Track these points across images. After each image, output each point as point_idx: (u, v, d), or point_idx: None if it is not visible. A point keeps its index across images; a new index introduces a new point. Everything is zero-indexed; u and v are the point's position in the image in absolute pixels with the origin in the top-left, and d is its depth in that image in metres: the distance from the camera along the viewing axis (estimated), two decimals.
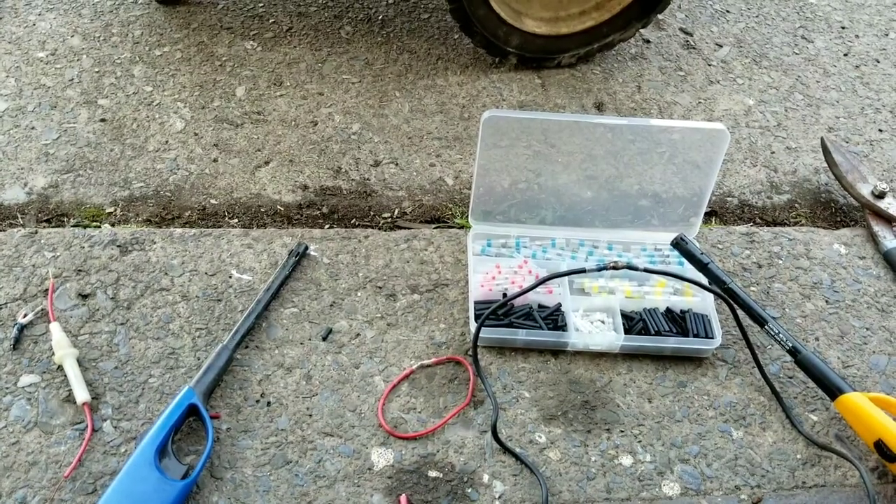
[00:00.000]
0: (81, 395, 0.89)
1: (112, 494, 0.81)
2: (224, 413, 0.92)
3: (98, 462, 0.87)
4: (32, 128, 1.28)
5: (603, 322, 1.05)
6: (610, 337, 1.02)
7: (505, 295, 1.04)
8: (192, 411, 0.89)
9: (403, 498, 0.86)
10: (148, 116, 1.32)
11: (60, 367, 0.93)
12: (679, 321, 1.05)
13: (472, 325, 0.99)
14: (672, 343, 1.01)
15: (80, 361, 0.93)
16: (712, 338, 1.02)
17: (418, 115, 1.37)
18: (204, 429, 0.88)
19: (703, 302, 1.07)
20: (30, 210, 1.16)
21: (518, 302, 1.04)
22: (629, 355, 1.03)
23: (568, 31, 1.42)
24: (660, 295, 1.08)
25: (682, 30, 1.60)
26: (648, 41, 1.57)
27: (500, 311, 1.02)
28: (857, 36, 1.64)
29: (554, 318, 1.04)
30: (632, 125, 1.07)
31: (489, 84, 1.44)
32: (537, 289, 1.03)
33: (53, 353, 0.93)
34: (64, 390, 0.92)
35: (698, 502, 0.90)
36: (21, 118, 1.29)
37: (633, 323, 1.04)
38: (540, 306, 1.06)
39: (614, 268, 0.99)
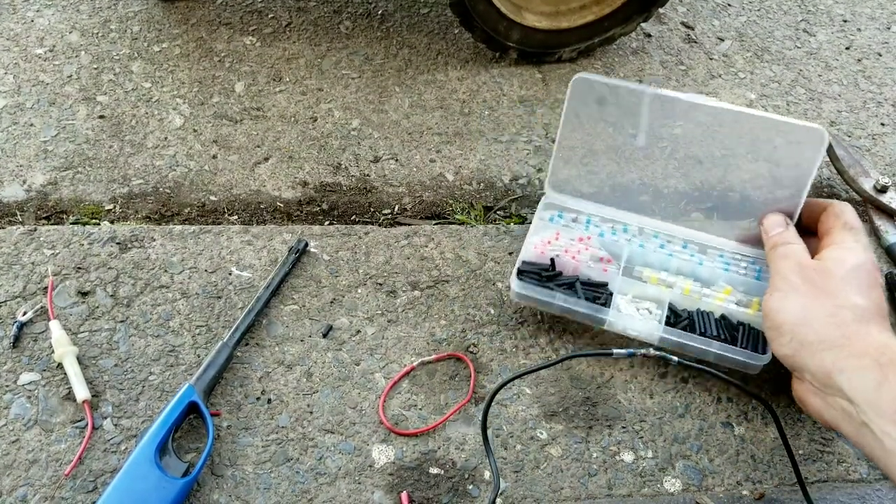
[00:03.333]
0: (81, 392, 0.89)
1: (112, 492, 0.81)
2: (224, 410, 0.92)
3: (98, 460, 0.87)
4: (31, 125, 1.27)
5: (649, 311, 0.99)
6: (651, 326, 0.96)
7: (553, 261, 1.03)
8: (192, 409, 0.89)
9: (405, 495, 0.86)
10: (147, 113, 1.31)
11: (60, 365, 0.93)
12: (731, 331, 0.97)
13: (514, 282, 0.99)
14: (716, 348, 0.93)
15: (79, 359, 0.93)
16: (764, 353, 0.93)
17: (418, 110, 1.36)
18: (204, 426, 0.88)
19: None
20: (28, 207, 1.16)
21: (567, 272, 1.03)
22: None
23: (569, 26, 1.41)
24: (720, 301, 1.00)
25: (683, 24, 1.60)
26: (650, 35, 1.56)
27: (543, 275, 1.01)
28: (858, 29, 1.63)
29: (598, 294, 1.00)
30: (737, 112, 1.00)
31: (489, 79, 1.43)
32: (590, 263, 1.03)
33: (53, 351, 0.93)
34: (64, 388, 0.92)
35: (700, 498, 0.89)
36: (19, 115, 1.29)
37: (679, 319, 0.98)
38: (588, 281, 1.02)
39: (646, 356, 0.92)
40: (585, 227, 1.08)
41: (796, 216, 0.99)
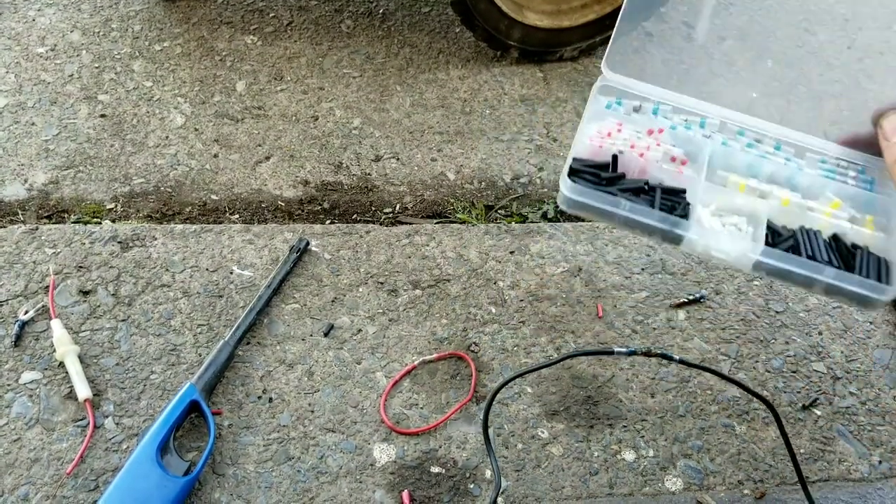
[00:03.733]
0: (83, 391, 0.89)
1: (114, 491, 0.81)
2: (226, 409, 0.92)
3: (100, 459, 0.87)
4: (32, 124, 1.27)
5: (738, 228, 0.79)
6: (743, 246, 0.75)
7: (615, 159, 0.81)
8: (193, 408, 0.89)
9: (406, 494, 0.86)
10: (148, 112, 1.31)
11: (62, 364, 0.93)
12: (845, 255, 0.78)
13: (564, 184, 0.77)
14: (829, 277, 0.73)
15: (81, 358, 0.93)
16: (889, 284, 0.74)
17: (419, 109, 1.36)
18: (206, 425, 0.88)
19: (886, 242, 0.78)
20: (30, 206, 1.16)
21: (632, 174, 0.82)
22: None
23: (570, 25, 1.41)
24: (828, 216, 0.80)
25: (684, 23, 1.60)
26: (651, 34, 1.56)
27: (603, 176, 0.80)
28: (860, 28, 1.63)
29: (675, 203, 0.79)
30: None
31: (490, 78, 1.43)
32: (662, 164, 0.81)
33: (55, 350, 0.93)
34: (65, 387, 0.92)
35: (701, 497, 0.89)
36: (21, 114, 1.29)
37: (780, 238, 0.78)
38: (661, 186, 0.81)
39: (647, 354, 0.85)
40: (653, 117, 0.86)
41: None
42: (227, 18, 1.49)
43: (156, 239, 1.08)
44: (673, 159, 0.83)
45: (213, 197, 1.20)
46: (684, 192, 0.80)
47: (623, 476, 0.90)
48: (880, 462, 0.94)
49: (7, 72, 1.35)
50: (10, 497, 0.84)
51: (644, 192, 0.79)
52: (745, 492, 0.90)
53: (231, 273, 1.05)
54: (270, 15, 1.51)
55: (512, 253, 1.12)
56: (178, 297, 1.02)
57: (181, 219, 1.17)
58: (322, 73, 1.41)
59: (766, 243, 0.76)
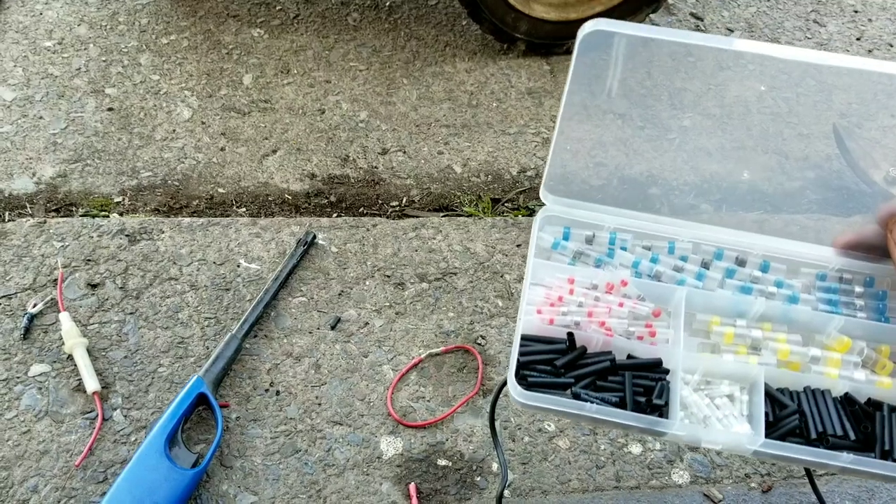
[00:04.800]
0: (91, 384, 0.90)
1: (123, 483, 0.82)
2: (233, 402, 0.92)
3: (108, 451, 0.88)
4: (40, 117, 1.28)
5: (731, 399, 0.66)
6: (738, 438, 0.63)
7: (570, 337, 0.68)
8: (201, 400, 0.89)
9: (412, 486, 0.86)
10: (155, 105, 1.31)
11: (70, 357, 0.93)
12: (862, 419, 0.65)
13: (513, 386, 0.63)
14: (845, 462, 0.61)
15: (89, 351, 0.94)
16: None
17: (426, 102, 1.36)
18: (213, 418, 0.89)
19: None
20: (38, 200, 1.16)
21: (596, 346, 0.68)
22: None
23: (577, 17, 1.40)
24: (837, 365, 0.67)
25: (692, 14, 1.59)
26: (658, 26, 1.55)
27: (558, 365, 0.67)
28: (869, 20, 1.62)
29: (650, 383, 0.66)
30: (838, 66, 0.69)
31: (497, 71, 1.43)
32: (630, 328, 0.69)
33: (63, 343, 0.93)
34: (74, 380, 0.92)
35: (708, 490, 0.89)
36: (29, 108, 1.29)
37: (782, 413, 0.65)
38: (632, 363, 0.68)
39: None
40: (609, 253, 0.73)
41: None
42: (234, 12, 1.49)
43: (163, 232, 1.09)
44: (643, 317, 0.71)
45: (220, 190, 1.20)
46: (659, 364, 0.67)
47: (630, 469, 0.90)
48: None
49: (15, 65, 1.35)
50: (19, 488, 0.84)
51: (611, 371, 0.67)
52: (752, 485, 0.90)
53: (238, 266, 1.05)
54: (277, 8, 1.51)
55: (519, 246, 1.12)
56: (185, 291, 1.02)
57: (188, 212, 1.17)
58: (328, 67, 1.40)
59: (769, 424, 0.64)
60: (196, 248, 1.07)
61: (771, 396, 0.65)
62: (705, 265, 0.73)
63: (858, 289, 0.72)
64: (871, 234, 0.68)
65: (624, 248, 0.74)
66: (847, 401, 0.66)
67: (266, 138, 1.28)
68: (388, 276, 1.06)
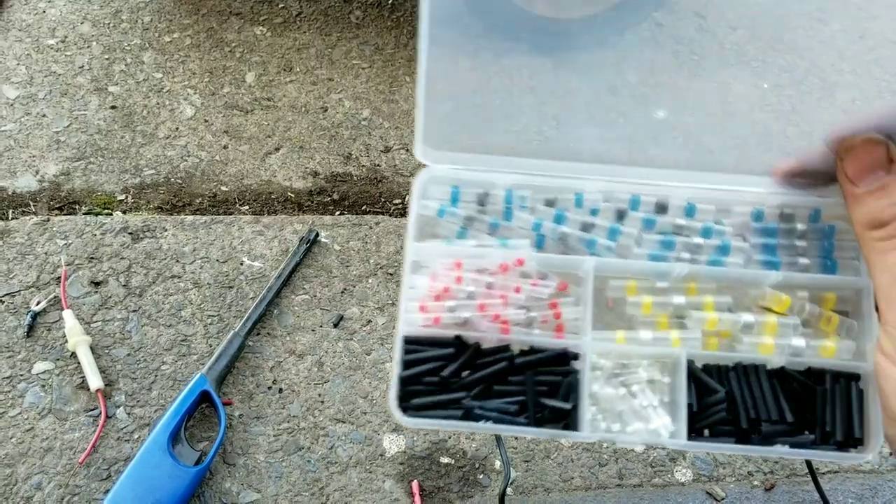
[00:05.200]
0: (95, 381, 0.90)
1: (126, 480, 0.82)
2: (236, 400, 0.92)
3: (112, 448, 0.88)
4: (43, 115, 1.28)
5: (651, 384, 0.58)
6: (657, 434, 0.56)
7: (459, 340, 0.57)
8: (204, 398, 0.89)
9: (415, 484, 0.87)
10: (158, 103, 1.32)
11: (74, 354, 0.93)
12: (801, 396, 0.57)
13: (397, 413, 0.54)
14: (782, 453, 0.56)
15: (93, 348, 0.94)
16: (859, 440, 0.55)
17: None
18: (216, 415, 0.89)
19: (857, 342, 0.57)
20: (42, 198, 1.17)
21: (493, 342, 0.58)
22: None
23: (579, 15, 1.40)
24: (773, 331, 0.58)
25: (695, 13, 1.58)
26: (662, 24, 1.55)
27: (446, 377, 0.56)
28: (874, 17, 1.61)
29: (553, 383, 0.57)
30: None
31: (500, 70, 1.42)
32: (530, 311, 0.58)
33: (67, 341, 0.93)
34: (77, 377, 0.92)
35: (711, 488, 0.89)
36: (32, 106, 1.29)
37: (709, 400, 0.56)
38: (535, 359, 0.57)
39: None
40: (507, 215, 0.61)
41: None
42: (237, 9, 1.49)
43: (166, 230, 1.09)
44: (546, 294, 0.60)
45: (223, 188, 1.21)
46: (564, 353, 0.57)
47: (632, 467, 0.90)
48: (891, 454, 0.93)
49: (18, 63, 1.36)
50: (23, 486, 0.85)
51: (511, 371, 0.57)
52: (755, 483, 0.90)
53: (241, 264, 1.05)
54: (280, 6, 1.51)
55: None
56: (188, 288, 1.02)
57: (191, 210, 1.17)
58: (331, 64, 1.40)
59: (692, 415, 0.56)
60: (199, 246, 1.07)
61: (696, 379, 0.57)
62: (620, 216, 0.61)
63: (801, 226, 0.61)
64: (816, 158, 0.58)
65: (524, 207, 0.61)
66: (785, 375, 0.57)
67: (269, 136, 1.28)
68: (391, 274, 1.06)
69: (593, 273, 0.59)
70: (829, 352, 0.57)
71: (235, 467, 0.87)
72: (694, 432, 0.56)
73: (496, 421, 0.55)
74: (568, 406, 0.55)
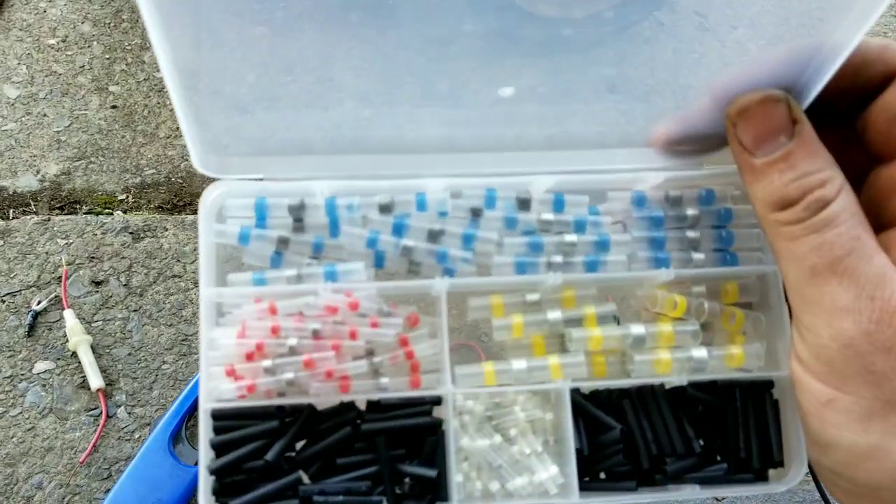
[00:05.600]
0: (95, 381, 0.90)
1: (127, 480, 0.82)
2: None
3: (113, 448, 0.88)
4: (44, 115, 1.28)
5: (532, 427, 0.49)
6: (543, 490, 0.47)
7: (281, 411, 0.45)
8: None
9: None
10: (159, 103, 1.31)
11: (74, 354, 0.93)
12: (708, 418, 0.50)
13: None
14: (692, 495, 0.48)
15: (93, 348, 0.94)
16: (777, 461, 0.49)
17: None
18: None
19: (764, 341, 0.50)
20: (42, 197, 1.17)
21: (325, 402, 0.47)
22: None
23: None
24: (668, 344, 0.49)
25: (696, 12, 1.58)
26: (662, 23, 1.54)
27: (271, 459, 0.44)
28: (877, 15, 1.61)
29: (421, 428, 0.47)
30: None
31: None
32: (385, 361, 0.47)
33: (67, 340, 0.93)
34: (78, 377, 0.92)
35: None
36: (33, 105, 1.29)
37: (602, 439, 0.48)
38: (380, 412, 0.47)
39: None
40: (333, 233, 0.49)
41: (816, 89, 0.43)
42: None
43: (167, 230, 1.09)
44: (392, 332, 0.48)
45: None
46: (423, 404, 0.47)
47: None
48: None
49: (19, 63, 1.36)
50: (24, 485, 0.85)
51: (357, 437, 0.46)
52: None
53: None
54: (280, 5, 1.51)
55: None
56: (189, 288, 1.02)
57: (192, 209, 1.17)
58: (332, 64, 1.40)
59: (581, 457, 0.47)
60: None
61: (584, 414, 0.48)
62: (475, 216, 0.49)
63: (692, 211, 0.51)
64: (699, 117, 0.47)
65: (354, 218, 0.48)
66: (688, 396, 0.49)
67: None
68: None
69: (446, 295, 0.49)
70: (736, 360, 0.49)
71: None
72: (588, 476, 0.48)
73: (345, 499, 0.44)
74: (433, 473, 0.45)
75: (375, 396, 0.46)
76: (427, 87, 0.46)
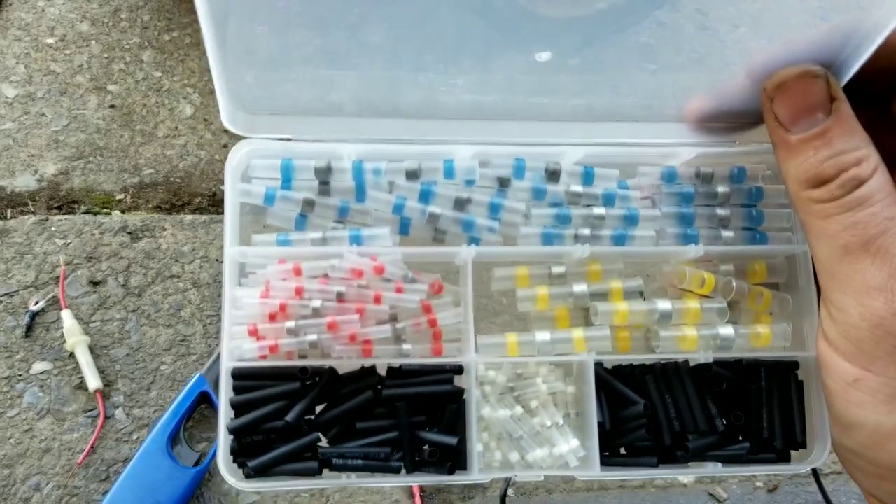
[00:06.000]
0: (93, 382, 0.89)
1: (125, 481, 0.82)
2: None
3: (111, 449, 0.87)
4: (42, 114, 1.27)
5: (554, 397, 0.49)
6: (563, 462, 0.47)
7: (305, 372, 0.45)
8: (203, 398, 0.89)
9: (415, 485, 0.86)
10: (157, 102, 1.31)
11: (72, 355, 0.93)
12: (733, 396, 0.49)
13: (223, 466, 0.44)
14: (714, 472, 0.49)
15: (91, 349, 0.93)
16: (800, 442, 0.49)
17: None
18: (215, 416, 0.88)
19: (792, 320, 0.50)
20: (40, 197, 1.16)
21: (353, 366, 0.47)
22: None
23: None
24: (694, 321, 0.49)
25: (697, 11, 1.58)
26: (664, 23, 1.54)
27: (291, 420, 0.44)
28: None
29: (442, 391, 0.46)
30: None
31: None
32: (398, 324, 0.47)
33: (65, 341, 0.93)
34: (76, 377, 0.92)
35: (713, 489, 0.89)
36: (31, 105, 1.29)
37: (624, 413, 0.48)
38: (402, 377, 0.46)
39: None
40: (360, 193, 0.48)
41: (854, 68, 0.43)
42: None
43: (165, 230, 1.08)
44: (416, 297, 0.47)
45: (223, 187, 1.20)
46: (446, 373, 0.46)
47: None
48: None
49: (17, 62, 1.35)
50: (21, 486, 0.84)
51: (378, 402, 0.46)
52: (758, 484, 0.90)
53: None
54: (279, 4, 1.50)
55: None
56: (187, 288, 1.02)
57: (190, 209, 1.17)
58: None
59: (603, 434, 0.47)
60: (198, 246, 1.07)
61: (608, 389, 0.47)
62: (502, 185, 0.49)
63: (722, 188, 0.51)
64: (735, 94, 0.48)
65: (380, 183, 0.48)
66: (709, 372, 0.48)
67: None
68: None
69: (472, 264, 0.48)
70: (762, 340, 0.49)
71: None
72: (608, 451, 0.47)
73: (362, 470, 0.43)
74: (453, 441, 0.44)
75: (397, 362, 0.46)
76: (459, 52, 0.44)
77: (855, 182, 0.38)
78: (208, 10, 0.40)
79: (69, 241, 1.06)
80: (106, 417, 0.89)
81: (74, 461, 0.86)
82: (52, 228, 1.07)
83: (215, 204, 1.18)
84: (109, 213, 1.14)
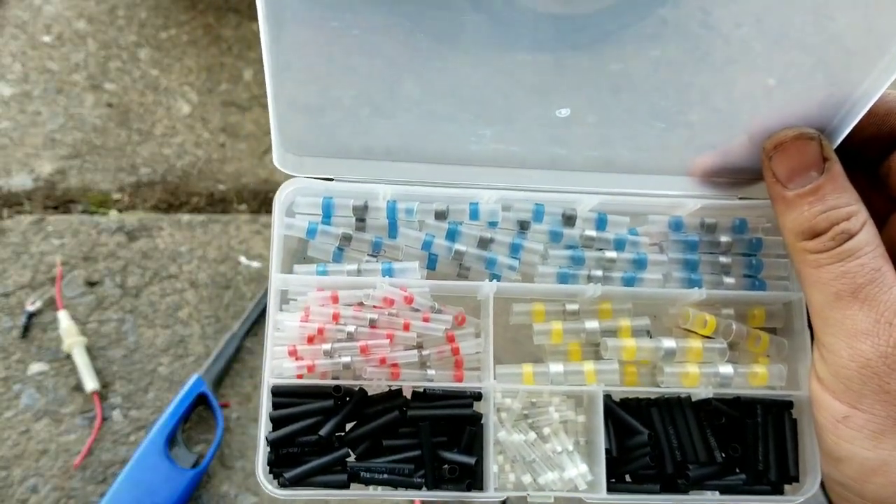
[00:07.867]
0: (90, 383, 0.89)
1: (122, 483, 0.81)
2: (233, 402, 0.91)
3: (108, 451, 0.87)
4: (38, 113, 1.26)
5: (565, 427, 0.53)
6: (572, 486, 0.51)
7: (338, 388, 0.50)
8: (201, 400, 0.88)
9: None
10: (154, 101, 1.30)
11: (69, 356, 0.92)
12: (730, 430, 0.53)
13: (261, 475, 0.48)
14: (711, 501, 0.52)
15: (88, 349, 0.93)
16: (793, 476, 0.52)
17: None
18: (213, 417, 0.88)
19: (786, 361, 0.54)
20: (37, 196, 1.15)
21: (380, 388, 0.51)
22: None
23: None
24: (697, 359, 0.53)
25: (700, 9, 1.57)
26: (666, 21, 1.53)
27: (324, 434, 0.49)
28: (880, 13, 1.60)
29: (457, 424, 0.51)
30: None
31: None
32: (423, 348, 0.52)
33: (62, 342, 0.92)
34: (73, 379, 0.91)
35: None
36: (27, 103, 1.28)
37: (630, 442, 0.52)
38: (425, 400, 0.51)
39: None
40: (391, 234, 0.54)
41: (845, 132, 0.48)
42: (234, 5, 1.48)
43: (162, 229, 1.08)
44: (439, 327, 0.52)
45: (221, 187, 1.19)
46: (465, 397, 0.51)
47: None
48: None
49: (13, 61, 1.34)
50: (19, 488, 0.84)
51: (403, 422, 0.50)
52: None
53: (238, 264, 1.04)
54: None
55: None
56: (185, 289, 1.01)
57: (188, 209, 1.16)
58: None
59: (610, 461, 0.51)
60: (196, 246, 1.06)
61: (615, 419, 0.52)
62: (523, 228, 0.54)
63: (725, 238, 0.55)
64: (737, 153, 0.51)
65: (411, 221, 0.54)
66: (709, 408, 0.52)
67: (267, 134, 1.26)
68: None
69: (493, 298, 0.52)
70: (759, 379, 0.53)
71: (233, 470, 0.86)
72: (615, 477, 0.52)
73: (386, 484, 0.48)
74: (471, 461, 0.49)
75: (422, 386, 0.51)
76: (486, 106, 0.50)
77: (845, 235, 0.43)
78: (272, 67, 0.46)
79: (66, 240, 1.05)
80: (103, 419, 0.88)
81: (71, 463, 0.85)
82: (49, 228, 1.06)
83: (213, 204, 1.17)
84: (106, 213, 1.13)
